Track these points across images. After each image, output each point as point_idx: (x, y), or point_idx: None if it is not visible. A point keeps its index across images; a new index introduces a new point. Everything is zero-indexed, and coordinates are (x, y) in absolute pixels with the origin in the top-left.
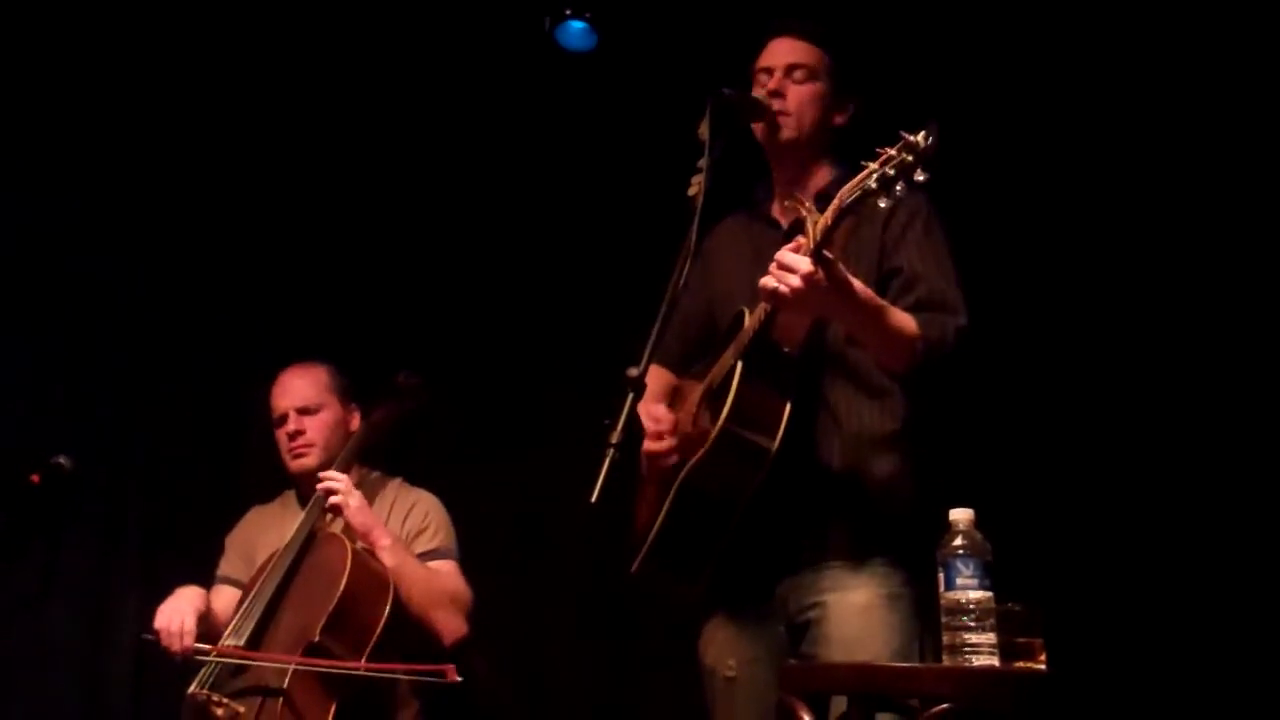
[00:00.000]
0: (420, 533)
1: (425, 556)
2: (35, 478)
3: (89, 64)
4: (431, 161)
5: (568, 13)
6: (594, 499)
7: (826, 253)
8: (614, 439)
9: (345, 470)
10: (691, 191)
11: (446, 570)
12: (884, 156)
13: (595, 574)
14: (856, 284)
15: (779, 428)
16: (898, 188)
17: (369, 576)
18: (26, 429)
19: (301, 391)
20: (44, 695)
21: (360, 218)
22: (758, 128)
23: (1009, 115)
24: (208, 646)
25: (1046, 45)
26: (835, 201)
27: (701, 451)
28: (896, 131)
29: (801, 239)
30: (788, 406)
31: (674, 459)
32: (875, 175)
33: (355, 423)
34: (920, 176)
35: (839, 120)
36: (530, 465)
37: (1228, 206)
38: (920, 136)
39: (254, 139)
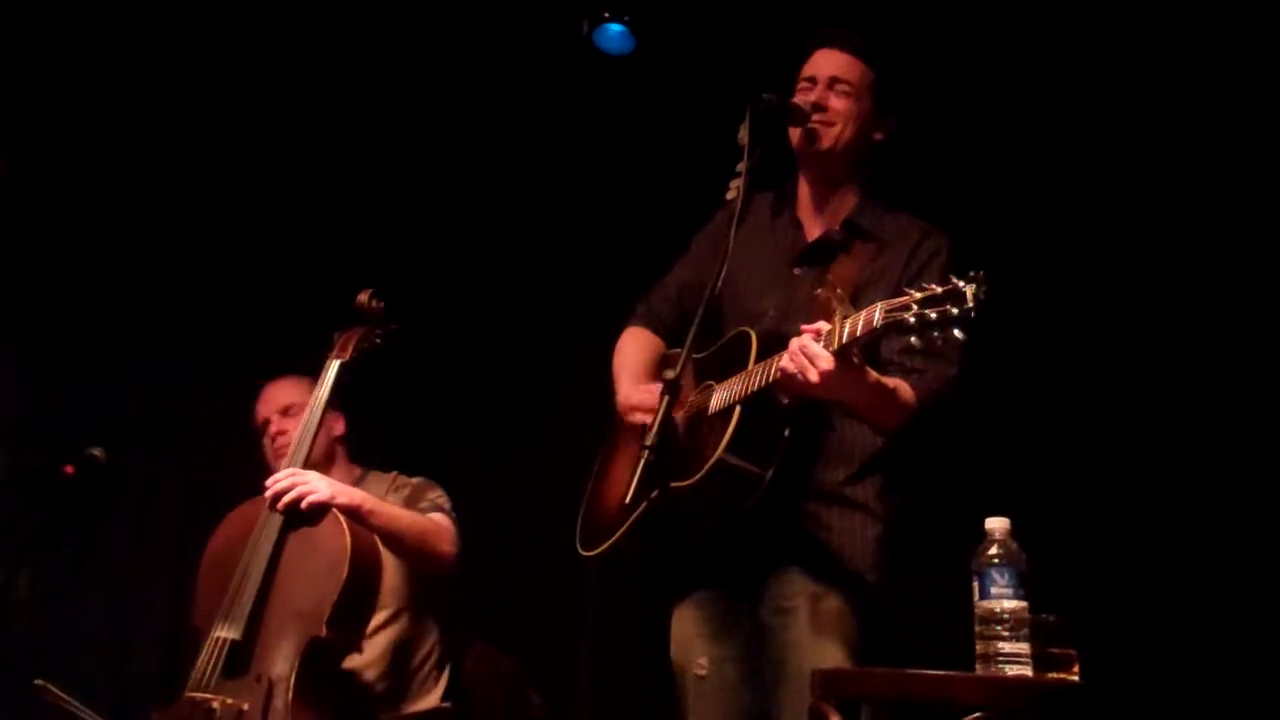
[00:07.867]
0: (412, 499)
1: (419, 511)
2: (69, 469)
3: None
4: (468, 162)
5: (606, 15)
6: (628, 500)
7: (852, 355)
8: (649, 441)
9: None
10: (730, 195)
11: (435, 515)
12: (928, 294)
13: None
14: (869, 376)
15: (775, 457)
16: (935, 334)
17: (367, 552)
18: (60, 422)
19: (284, 395)
20: (75, 683)
21: (396, 220)
22: (794, 133)
23: (1052, 121)
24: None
25: (1071, 52)
26: (867, 315)
27: (694, 479)
28: (946, 273)
29: (825, 325)
30: (785, 435)
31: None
32: (914, 313)
33: (339, 428)
34: (959, 334)
35: (877, 137)
36: (533, 461)
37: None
38: (969, 289)
39: (295, 142)
